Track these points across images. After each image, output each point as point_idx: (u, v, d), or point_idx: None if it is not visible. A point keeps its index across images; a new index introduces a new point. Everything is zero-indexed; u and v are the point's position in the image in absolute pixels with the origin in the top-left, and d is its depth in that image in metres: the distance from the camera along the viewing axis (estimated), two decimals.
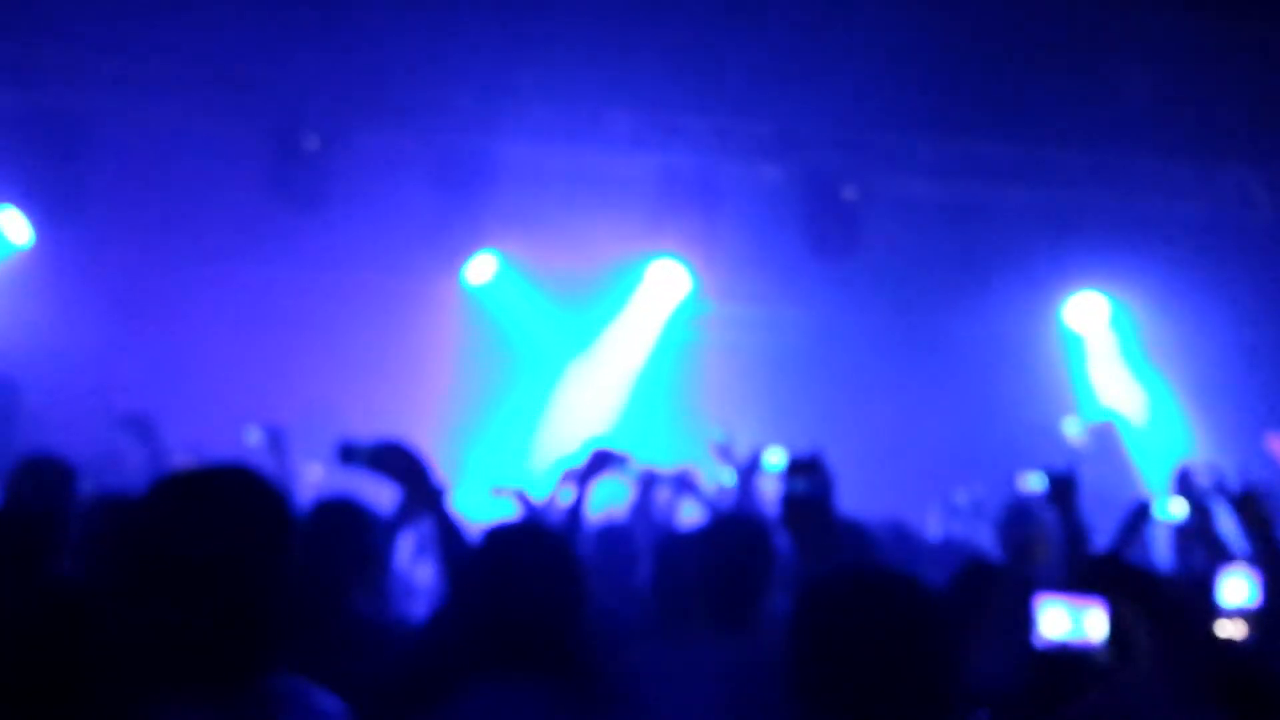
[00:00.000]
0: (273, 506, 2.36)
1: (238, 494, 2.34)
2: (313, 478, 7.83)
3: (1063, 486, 4.64)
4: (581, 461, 5.17)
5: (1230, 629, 3.28)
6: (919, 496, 8.53)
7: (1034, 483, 5.04)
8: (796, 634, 2.54)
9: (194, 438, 7.76)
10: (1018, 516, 5.38)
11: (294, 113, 8.97)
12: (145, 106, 9.04)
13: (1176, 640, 3.04)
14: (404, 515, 4.66)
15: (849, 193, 9.79)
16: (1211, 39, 9.18)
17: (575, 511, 5.03)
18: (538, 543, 3.31)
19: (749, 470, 6.17)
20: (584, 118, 9.47)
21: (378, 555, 4.21)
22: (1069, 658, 2.87)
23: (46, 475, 4.95)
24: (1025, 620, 2.93)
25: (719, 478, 7.44)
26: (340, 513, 4.16)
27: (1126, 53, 9.56)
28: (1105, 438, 9.22)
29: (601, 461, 5.24)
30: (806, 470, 3.66)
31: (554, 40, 8.89)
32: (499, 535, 3.34)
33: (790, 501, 3.69)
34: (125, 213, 9.19)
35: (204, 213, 9.31)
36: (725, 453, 7.37)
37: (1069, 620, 2.86)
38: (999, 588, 3.90)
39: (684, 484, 6.66)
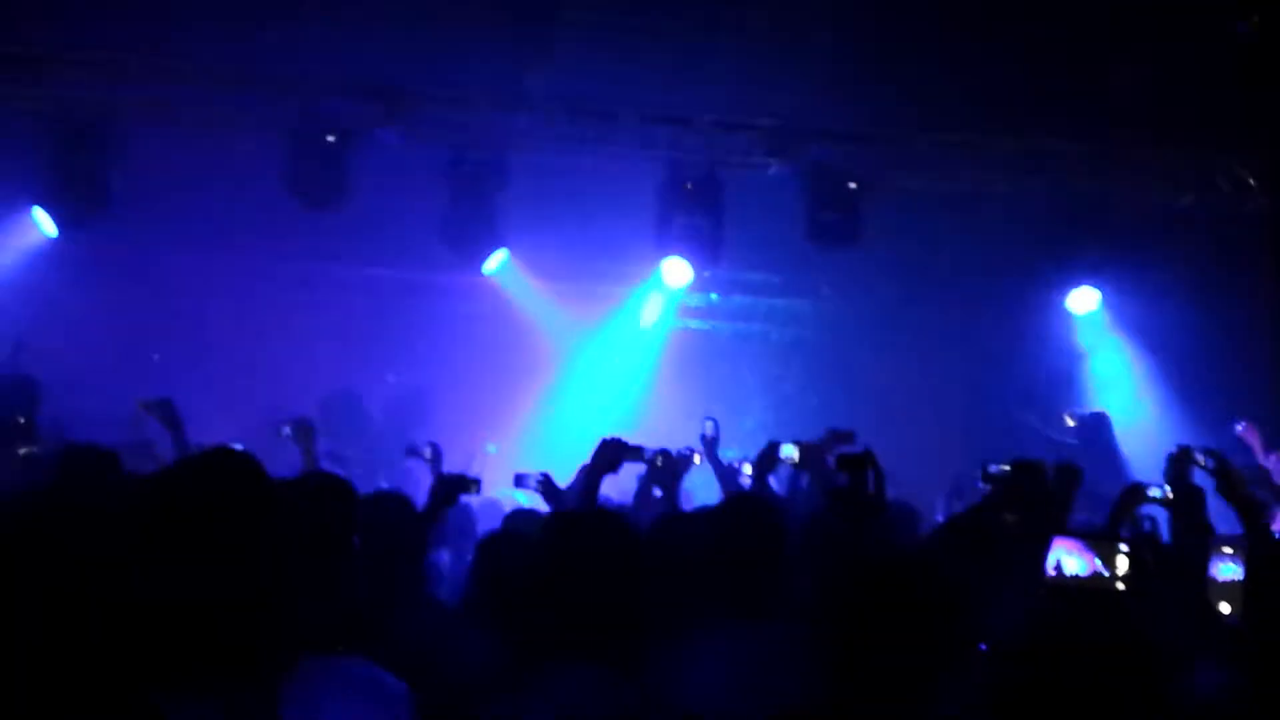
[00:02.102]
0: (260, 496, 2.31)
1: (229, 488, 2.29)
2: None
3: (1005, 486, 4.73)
4: (598, 453, 5.35)
5: (1222, 604, 3.45)
6: (921, 483, 8.67)
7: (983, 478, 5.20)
8: (825, 615, 2.73)
9: (217, 429, 7.96)
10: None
11: (313, 110, 9.06)
12: (167, 103, 9.10)
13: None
14: (434, 509, 4.88)
15: (852, 186, 9.92)
16: (1203, 28, 9.25)
17: (589, 499, 5.20)
18: (604, 531, 3.30)
19: (763, 460, 6.36)
20: (592, 117, 9.59)
21: (423, 544, 4.33)
22: (1080, 594, 3.04)
23: (88, 462, 5.06)
24: (1029, 566, 3.10)
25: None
26: (394, 504, 4.35)
27: (1119, 42, 9.65)
28: (1097, 427, 9.36)
29: (617, 453, 5.42)
30: (853, 465, 3.82)
31: (562, 42, 9.02)
32: (564, 523, 3.41)
33: (837, 494, 3.85)
34: (147, 208, 9.24)
35: (225, 208, 9.41)
36: (712, 445, 7.56)
37: (1083, 561, 3.04)
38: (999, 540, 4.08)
39: (686, 465, 6.88)
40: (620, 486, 8.53)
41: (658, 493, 6.41)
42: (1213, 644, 3.31)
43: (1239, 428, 7.92)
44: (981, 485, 6.18)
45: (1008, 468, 4.90)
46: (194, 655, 2.20)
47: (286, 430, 7.07)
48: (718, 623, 3.96)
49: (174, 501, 2.29)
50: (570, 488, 6.52)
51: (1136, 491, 5.28)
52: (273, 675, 2.27)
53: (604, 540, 3.24)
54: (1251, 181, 10.27)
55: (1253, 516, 5.46)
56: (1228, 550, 3.31)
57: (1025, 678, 2.75)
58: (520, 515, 5.72)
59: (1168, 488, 5.28)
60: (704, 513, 4.78)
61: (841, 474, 3.84)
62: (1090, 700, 2.71)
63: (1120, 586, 3.08)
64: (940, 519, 7.61)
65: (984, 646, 3.11)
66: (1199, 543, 4.70)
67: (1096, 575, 3.06)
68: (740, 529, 4.12)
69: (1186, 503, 5.16)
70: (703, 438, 7.51)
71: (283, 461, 6.92)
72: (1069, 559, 3.08)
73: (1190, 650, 3.16)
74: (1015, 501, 4.59)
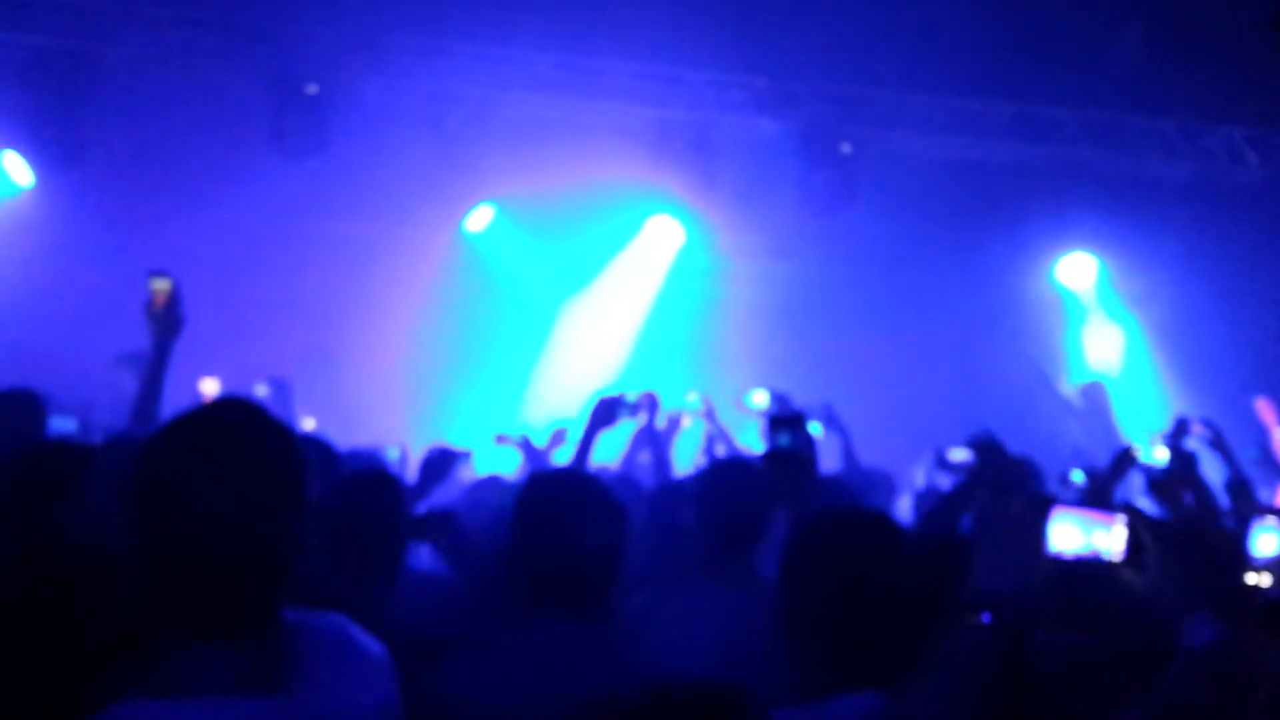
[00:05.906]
0: (281, 442, 2.27)
1: (250, 432, 2.25)
2: (307, 428, 7.90)
3: (987, 451, 4.62)
4: (594, 411, 5.24)
5: (1258, 579, 3.40)
6: (910, 450, 8.60)
7: (958, 455, 5.07)
8: (784, 575, 2.63)
9: (193, 384, 7.80)
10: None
11: (294, 59, 8.94)
12: (146, 51, 8.96)
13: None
14: (425, 485, 4.76)
15: (845, 148, 9.82)
16: None
17: (580, 460, 5.11)
18: (583, 489, 3.29)
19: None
20: (582, 69, 9.46)
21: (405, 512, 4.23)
22: (1081, 567, 2.96)
23: (14, 410, 4.85)
24: (1033, 534, 3.02)
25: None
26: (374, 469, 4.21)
27: (1118, 10, 9.57)
28: (1094, 397, 9.31)
29: (611, 409, 5.31)
30: (790, 425, 3.76)
31: None
32: (544, 481, 3.38)
33: (774, 455, 3.79)
34: (125, 157, 9.13)
35: (204, 158, 9.25)
36: (709, 414, 7.48)
37: (1082, 533, 2.96)
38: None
39: (675, 427, 6.79)
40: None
41: (643, 456, 6.33)
42: (1224, 607, 3.24)
43: (1256, 402, 7.85)
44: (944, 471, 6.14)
45: (968, 454, 4.78)
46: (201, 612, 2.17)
47: (264, 389, 6.95)
48: (696, 584, 3.93)
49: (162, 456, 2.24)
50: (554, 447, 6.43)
51: (1128, 457, 5.22)
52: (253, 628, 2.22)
53: (582, 496, 3.22)
54: (1249, 153, 10.24)
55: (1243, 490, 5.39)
56: (1270, 522, 3.20)
57: (1025, 647, 2.70)
58: (487, 485, 5.51)
59: (1158, 450, 5.23)
60: (693, 478, 4.72)
61: (779, 435, 3.76)
62: (1090, 667, 2.64)
63: (1118, 557, 3.00)
64: (923, 489, 7.55)
65: (987, 617, 3.04)
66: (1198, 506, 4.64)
67: (1093, 547, 2.98)
68: (726, 493, 4.02)
69: (1181, 467, 5.10)
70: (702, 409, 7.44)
71: None
72: (1065, 531, 3.00)
73: (1190, 614, 3.10)
74: (985, 482, 4.49)
